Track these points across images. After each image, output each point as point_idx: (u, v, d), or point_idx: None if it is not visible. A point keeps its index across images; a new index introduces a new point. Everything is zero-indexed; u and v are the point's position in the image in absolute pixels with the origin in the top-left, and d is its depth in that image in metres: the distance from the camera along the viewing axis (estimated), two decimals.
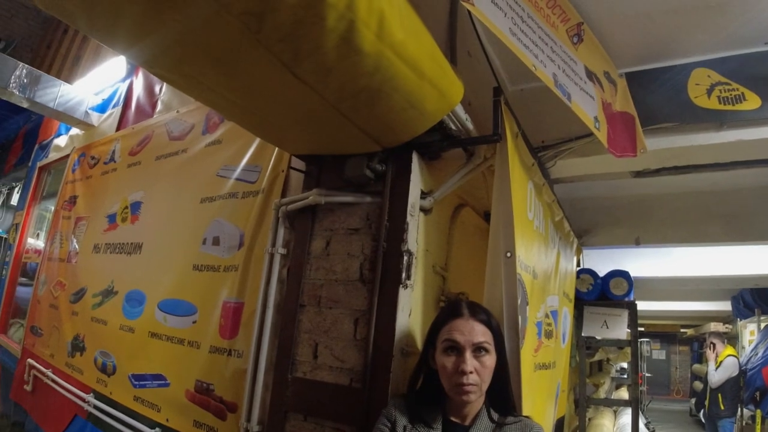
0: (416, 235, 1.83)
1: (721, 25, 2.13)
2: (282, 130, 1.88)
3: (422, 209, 1.89)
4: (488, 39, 2.06)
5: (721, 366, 6.02)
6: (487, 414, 1.42)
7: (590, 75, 2.16)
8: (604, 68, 2.30)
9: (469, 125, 1.86)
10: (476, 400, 1.40)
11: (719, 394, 5.98)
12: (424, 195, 1.89)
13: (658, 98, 2.38)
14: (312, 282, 1.94)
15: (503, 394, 1.46)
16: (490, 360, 1.39)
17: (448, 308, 1.52)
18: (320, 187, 1.97)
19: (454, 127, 1.81)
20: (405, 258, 1.73)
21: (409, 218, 1.77)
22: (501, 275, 1.68)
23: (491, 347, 1.41)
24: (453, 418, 1.42)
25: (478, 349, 1.38)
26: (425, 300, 1.95)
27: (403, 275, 1.72)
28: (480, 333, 1.40)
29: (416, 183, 1.85)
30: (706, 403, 6.40)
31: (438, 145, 1.86)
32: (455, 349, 1.38)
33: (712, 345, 6.30)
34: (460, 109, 1.78)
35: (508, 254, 1.68)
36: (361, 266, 1.83)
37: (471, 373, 1.34)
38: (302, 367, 1.88)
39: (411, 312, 1.78)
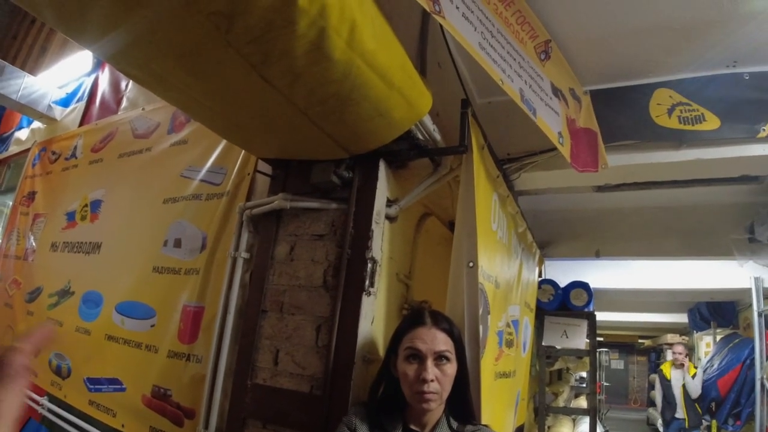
0: (381, 242, 1.84)
1: (684, 47, 2.21)
2: (249, 134, 1.87)
3: (388, 217, 1.90)
4: (458, 51, 2.09)
5: (697, 375, 6.17)
6: (447, 422, 1.43)
7: (556, 91, 2.21)
8: (569, 85, 2.36)
9: (437, 135, 1.89)
10: (436, 408, 1.41)
11: (696, 404, 6.13)
12: (389, 203, 1.90)
13: (620, 116, 2.45)
14: (275, 287, 1.93)
15: (463, 403, 1.48)
16: (451, 368, 1.41)
17: (411, 316, 1.52)
18: (286, 192, 1.95)
19: (421, 137, 1.83)
20: (369, 265, 1.74)
21: (374, 226, 1.78)
22: (463, 285, 1.70)
23: (452, 356, 1.42)
24: (413, 426, 1.42)
25: (440, 358, 1.39)
26: (388, 308, 1.96)
27: (367, 282, 1.73)
28: (442, 342, 1.41)
29: (382, 191, 1.86)
30: (683, 416, 6.41)
31: (405, 154, 1.87)
32: (417, 357, 1.39)
33: (681, 354, 6.40)
34: (428, 120, 1.81)
35: (471, 264, 1.70)
36: (325, 273, 1.83)
37: (432, 381, 1.35)
38: (262, 374, 1.86)
39: (374, 319, 1.79)
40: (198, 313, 2.25)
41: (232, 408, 1.90)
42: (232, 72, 1.38)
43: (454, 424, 1.43)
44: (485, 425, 1.49)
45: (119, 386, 2.49)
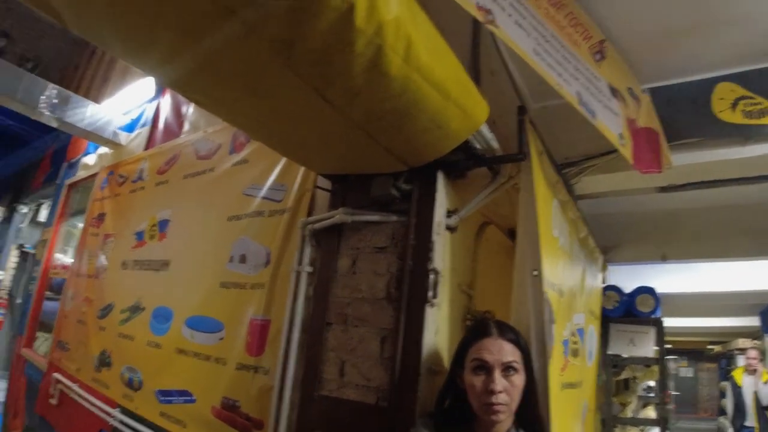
0: (442, 253, 1.84)
1: (744, 38, 2.10)
2: (309, 151, 1.92)
3: (448, 228, 1.90)
4: (511, 58, 2.07)
5: None
6: None
7: (614, 92, 2.15)
8: (627, 84, 2.30)
9: (494, 144, 1.88)
10: (505, 420, 1.39)
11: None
12: (449, 213, 1.90)
13: (682, 113, 2.36)
14: (338, 300, 1.96)
15: (532, 414, 1.45)
16: (519, 379, 1.39)
17: (477, 327, 1.51)
18: (346, 206, 1.99)
19: (479, 146, 1.82)
20: (431, 276, 1.74)
21: (435, 237, 1.78)
22: (528, 294, 1.68)
23: (520, 366, 1.40)
24: None
25: (507, 369, 1.38)
26: (452, 319, 1.95)
27: (430, 294, 1.73)
28: (509, 352, 1.39)
29: (442, 202, 1.86)
30: (754, 424, 6.07)
31: (463, 164, 1.87)
32: (484, 368, 1.38)
33: (755, 359, 6.10)
34: (484, 129, 1.80)
35: (535, 272, 1.68)
36: (388, 285, 1.84)
37: (500, 392, 1.34)
38: (329, 385, 1.89)
39: (438, 331, 1.78)
40: (264, 326, 2.31)
41: (300, 419, 1.94)
42: (293, 94, 1.43)
43: None
44: None
45: (189, 398, 2.59)
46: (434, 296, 1.74)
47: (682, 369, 17.49)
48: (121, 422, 2.98)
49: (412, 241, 1.81)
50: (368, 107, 1.46)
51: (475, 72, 1.86)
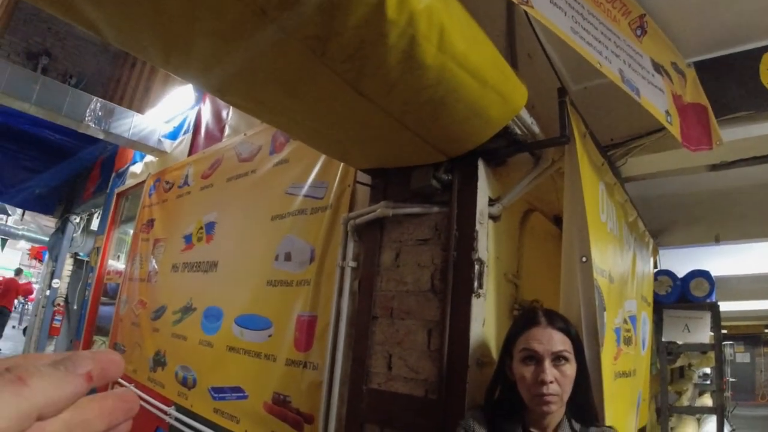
0: (486, 243, 1.81)
1: None
2: (347, 146, 1.93)
3: (491, 216, 1.87)
4: (547, 39, 2.02)
5: None
6: (569, 425, 1.37)
7: (657, 67, 2.08)
8: (671, 59, 2.21)
9: (535, 128, 1.84)
10: (557, 410, 1.36)
11: None
12: (491, 202, 1.88)
13: (730, 86, 2.26)
14: (383, 294, 1.97)
15: (585, 404, 1.42)
16: (570, 369, 1.35)
17: (524, 317, 1.49)
18: (387, 200, 1.99)
19: (519, 132, 1.79)
20: (476, 267, 1.72)
21: (478, 226, 1.76)
22: (577, 281, 1.63)
23: (571, 356, 1.37)
24: (533, 430, 1.38)
25: (558, 358, 1.34)
26: (498, 309, 1.93)
27: (475, 284, 1.71)
28: (559, 341, 1.36)
29: (483, 190, 1.84)
30: None
31: (504, 151, 1.84)
32: (534, 358, 1.35)
33: None
34: (524, 113, 1.76)
35: (584, 259, 1.63)
36: (432, 276, 1.83)
37: (551, 383, 1.31)
38: (377, 379, 1.90)
39: (485, 322, 1.77)
40: (311, 322, 2.34)
41: (349, 413, 1.96)
42: (330, 90, 1.44)
43: (577, 426, 1.37)
44: (609, 427, 1.42)
45: (241, 394, 2.65)
46: (480, 287, 1.72)
47: (739, 354, 16.78)
48: (177, 420, 3.08)
49: (455, 232, 1.79)
50: (405, 98, 1.45)
51: (511, 56, 1.83)
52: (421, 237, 1.91)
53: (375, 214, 1.98)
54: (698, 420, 6.24)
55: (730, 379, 11.90)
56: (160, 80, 6.05)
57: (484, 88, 1.49)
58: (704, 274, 3.85)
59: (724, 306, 4.53)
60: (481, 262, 1.74)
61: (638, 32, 2.03)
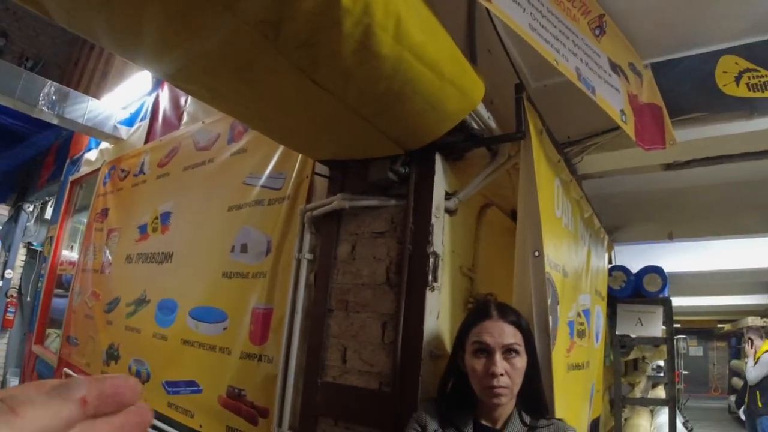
0: (442, 236, 1.82)
1: (746, 10, 2.06)
2: (305, 137, 1.90)
3: (447, 210, 1.88)
4: (508, 35, 2.03)
5: (760, 362, 5.80)
6: (519, 417, 1.39)
7: (615, 67, 2.11)
8: (628, 59, 2.25)
9: (492, 124, 1.85)
10: (507, 402, 1.37)
11: (758, 391, 5.76)
12: (448, 196, 1.88)
13: (685, 88, 2.32)
14: (339, 286, 1.95)
15: (535, 397, 1.44)
16: (520, 361, 1.37)
17: (477, 310, 1.50)
18: (344, 192, 1.97)
19: (476, 127, 1.79)
20: (431, 260, 1.72)
21: (434, 220, 1.76)
22: (529, 275, 1.65)
23: (521, 348, 1.38)
24: (484, 422, 1.39)
25: (509, 351, 1.36)
26: (453, 302, 1.93)
27: (430, 277, 1.71)
28: (510, 334, 1.37)
29: (440, 184, 1.84)
30: (746, 400, 6.16)
31: (461, 145, 1.85)
32: (485, 351, 1.36)
33: (749, 340, 6.11)
34: (482, 108, 1.77)
35: (536, 253, 1.65)
36: (388, 269, 1.83)
37: (501, 375, 1.32)
38: (332, 372, 1.88)
39: (439, 314, 1.77)
40: (267, 315, 2.31)
41: (304, 406, 1.94)
42: (284, 78, 1.41)
43: (527, 419, 1.39)
44: (559, 419, 1.44)
45: (196, 388, 2.60)
46: (434, 280, 1.73)
47: (692, 348, 17.42)
48: None
49: (411, 225, 1.79)
50: (361, 89, 1.43)
51: (471, 51, 1.83)
52: (378, 230, 1.90)
53: (332, 206, 1.96)
54: (651, 411, 6.46)
55: (684, 372, 12.31)
56: (119, 64, 5.84)
57: (441, 81, 1.48)
58: (657, 270, 3.97)
59: (677, 301, 4.69)
60: (436, 256, 1.74)
61: (597, 32, 2.06)
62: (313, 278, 2.09)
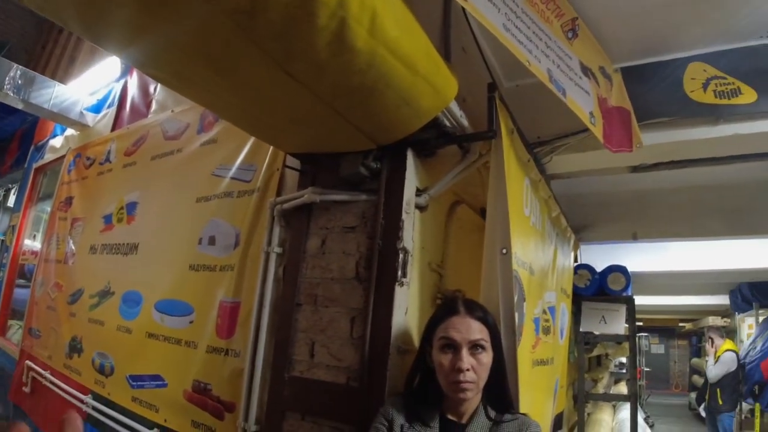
0: (412, 232, 1.82)
1: (717, 18, 2.12)
2: (277, 129, 1.88)
3: (418, 207, 1.88)
4: (483, 35, 2.05)
5: (719, 361, 6.02)
6: (485, 412, 1.41)
7: (585, 70, 2.15)
8: (599, 63, 2.30)
9: (464, 122, 1.86)
10: (473, 397, 1.39)
11: (718, 389, 5.98)
12: (419, 192, 1.88)
13: (653, 93, 2.37)
14: (308, 281, 1.94)
15: (500, 392, 1.45)
16: (486, 357, 1.39)
17: (445, 306, 1.51)
18: (316, 186, 1.96)
19: (449, 124, 1.80)
20: (401, 256, 1.72)
21: (404, 216, 1.77)
22: (497, 272, 1.67)
23: (488, 344, 1.40)
24: (450, 417, 1.41)
25: (475, 347, 1.37)
26: (422, 298, 1.94)
27: (399, 273, 1.71)
28: (476, 330, 1.39)
29: (411, 180, 1.84)
30: (706, 397, 6.36)
31: (433, 142, 1.85)
32: (452, 346, 1.37)
33: (710, 339, 6.30)
34: (454, 106, 1.78)
35: (504, 251, 1.67)
36: (357, 264, 1.83)
37: (468, 370, 1.34)
38: (299, 366, 1.87)
39: (407, 310, 1.78)
40: (234, 309, 2.28)
41: (271, 400, 1.93)
42: (257, 69, 1.39)
43: (492, 413, 1.41)
44: (524, 414, 1.47)
45: (161, 382, 2.56)
46: (404, 275, 1.73)
47: (654, 346, 17.95)
48: (95, 408, 2.94)
49: (382, 221, 1.79)
50: (334, 82, 1.42)
51: (445, 48, 1.83)
52: (348, 224, 1.89)
53: (303, 200, 1.94)
54: (614, 406, 6.63)
55: (645, 369, 12.68)
56: (87, 50, 5.67)
57: (415, 77, 1.48)
58: (621, 270, 4.07)
59: (640, 300, 4.82)
60: (405, 251, 1.74)
61: (570, 35, 2.09)
62: (282, 272, 2.07)
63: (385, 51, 1.34)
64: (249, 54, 1.31)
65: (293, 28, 1.21)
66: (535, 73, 1.70)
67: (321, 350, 1.83)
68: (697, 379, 11.99)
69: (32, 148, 5.81)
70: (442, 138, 1.84)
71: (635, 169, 3.08)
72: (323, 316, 1.86)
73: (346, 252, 1.87)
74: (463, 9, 1.69)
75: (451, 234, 2.30)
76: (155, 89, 3.70)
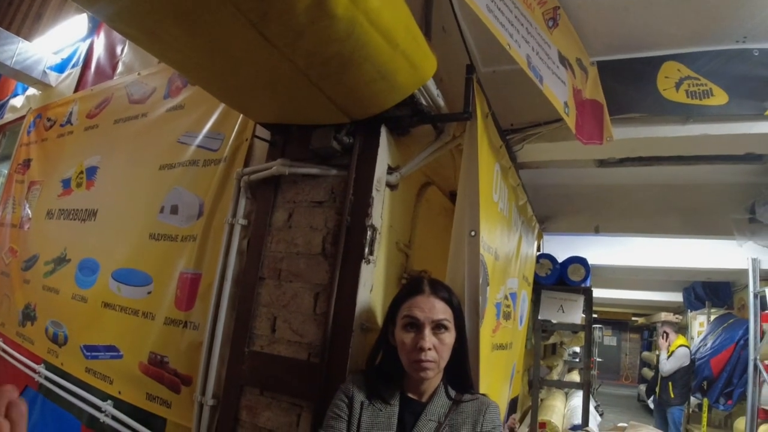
0: (381, 210, 1.80)
1: (695, 20, 2.15)
2: (248, 96, 1.82)
3: (388, 185, 1.86)
4: (464, 16, 2.02)
5: (673, 355, 6.14)
6: (445, 391, 1.42)
7: (563, 60, 2.16)
8: (576, 55, 2.31)
9: (440, 102, 1.84)
10: (434, 377, 1.39)
11: (670, 383, 6.10)
12: (390, 170, 1.86)
13: (627, 88, 2.40)
14: (272, 255, 1.90)
15: (461, 372, 1.46)
16: (449, 337, 1.39)
17: (410, 285, 1.50)
18: (285, 158, 1.91)
19: (425, 103, 1.78)
20: (369, 233, 1.71)
21: (374, 193, 1.74)
22: (464, 254, 1.68)
23: (451, 325, 1.40)
24: (410, 395, 1.41)
25: (438, 326, 1.37)
26: (387, 276, 1.93)
27: (366, 250, 1.70)
28: (440, 310, 1.39)
29: (383, 158, 1.82)
30: (657, 390, 6.49)
31: (408, 120, 1.83)
32: (415, 325, 1.37)
33: (665, 334, 6.38)
34: (431, 85, 1.76)
35: (473, 233, 1.67)
36: (324, 240, 1.80)
37: (429, 349, 1.33)
38: (260, 341, 1.85)
39: (372, 288, 1.76)
40: (195, 281, 2.23)
41: (230, 375, 1.90)
42: (231, 29, 1.33)
43: (452, 393, 1.42)
44: (483, 394, 1.48)
45: (116, 353, 2.49)
46: (370, 253, 1.72)
47: (607, 338, 18.55)
48: (47, 378, 2.85)
49: (351, 197, 1.76)
50: (311, 49, 1.38)
51: (426, 26, 1.81)
52: (317, 199, 1.86)
53: (271, 172, 1.90)
54: (566, 394, 6.83)
55: (598, 360, 13.06)
56: (54, 7, 5.41)
57: (393, 51, 1.45)
58: (582, 261, 4.17)
59: (597, 292, 4.95)
60: (374, 229, 1.72)
61: (550, 23, 2.09)
62: (246, 245, 2.03)
63: (365, 20, 1.31)
64: (224, 13, 1.26)
65: None
66: (515, 58, 1.69)
67: (283, 325, 1.80)
68: (647, 372, 12.40)
69: None
70: (417, 116, 1.81)
71: (602, 163, 3.15)
72: (286, 291, 1.83)
73: (313, 227, 1.84)
74: None
75: (419, 215, 2.29)
76: (122, 51, 3.56)
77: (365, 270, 1.70)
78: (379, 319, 1.79)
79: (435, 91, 1.80)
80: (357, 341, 1.65)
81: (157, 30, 1.47)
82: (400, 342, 1.39)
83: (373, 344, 1.52)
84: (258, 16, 1.26)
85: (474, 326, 1.63)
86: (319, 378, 1.65)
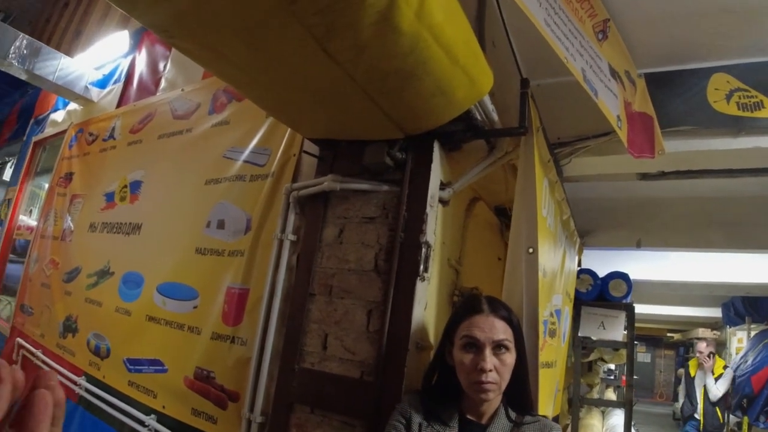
0: (434, 226, 1.78)
1: (743, 31, 2.10)
2: (299, 111, 1.82)
3: (441, 200, 1.84)
4: (513, 31, 2.01)
5: (723, 377, 5.79)
6: (505, 413, 1.38)
7: (613, 73, 2.12)
8: (625, 67, 2.27)
9: (494, 116, 1.82)
10: (494, 398, 1.35)
11: (717, 408, 5.72)
12: (443, 186, 1.84)
13: (676, 101, 2.36)
14: (323, 270, 1.89)
15: (521, 393, 1.42)
16: (510, 358, 1.35)
17: (467, 303, 1.47)
18: (334, 173, 1.91)
19: (479, 118, 1.75)
20: (423, 250, 1.68)
21: (428, 209, 1.72)
22: (522, 271, 1.64)
23: (511, 345, 1.36)
24: (470, 417, 1.38)
25: (498, 347, 1.33)
26: (439, 294, 1.91)
27: (421, 267, 1.67)
28: (501, 330, 1.35)
29: (436, 173, 1.80)
30: (699, 417, 5.95)
31: (461, 135, 1.80)
32: (474, 346, 1.33)
33: (711, 354, 5.93)
34: (487, 100, 1.74)
35: (530, 250, 1.64)
36: (377, 256, 1.78)
37: (490, 371, 1.30)
38: (310, 358, 1.83)
39: (426, 305, 1.74)
40: (243, 296, 2.22)
41: (279, 392, 1.88)
42: (294, 45, 1.33)
43: (513, 415, 1.38)
44: (543, 416, 1.44)
45: (160, 367, 2.50)
46: (425, 270, 1.69)
47: (640, 354, 18.09)
48: (87, 391, 2.86)
49: (405, 213, 1.74)
50: (373, 64, 1.36)
51: (480, 40, 1.79)
52: (368, 215, 1.84)
53: (321, 187, 1.89)
54: (603, 412, 6.65)
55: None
56: (94, 23, 5.56)
57: (454, 66, 1.44)
58: (623, 276, 4.05)
59: (638, 308, 4.82)
60: (428, 246, 1.70)
61: (600, 36, 2.05)
62: (295, 260, 2.02)
63: (429, 35, 1.29)
64: (288, 29, 1.25)
65: (340, 3, 1.15)
66: (572, 72, 1.66)
67: (334, 342, 1.78)
68: (681, 390, 12.03)
69: (32, 121, 5.69)
70: (471, 131, 1.79)
71: (644, 176, 3.07)
72: (338, 307, 1.81)
73: (365, 243, 1.82)
74: (497, 2, 1.66)
75: (468, 230, 2.26)
76: (165, 67, 3.62)
77: (420, 287, 1.67)
78: (432, 337, 1.76)
79: (490, 106, 1.77)
80: (412, 360, 1.62)
81: (215, 44, 1.47)
82: (459, 362, 1.35)
83: (429, 363, 1.49)
84: (323, 31, 1.25)
85: (533, 345, 1.59)
86: (373, 397, 1.62)
